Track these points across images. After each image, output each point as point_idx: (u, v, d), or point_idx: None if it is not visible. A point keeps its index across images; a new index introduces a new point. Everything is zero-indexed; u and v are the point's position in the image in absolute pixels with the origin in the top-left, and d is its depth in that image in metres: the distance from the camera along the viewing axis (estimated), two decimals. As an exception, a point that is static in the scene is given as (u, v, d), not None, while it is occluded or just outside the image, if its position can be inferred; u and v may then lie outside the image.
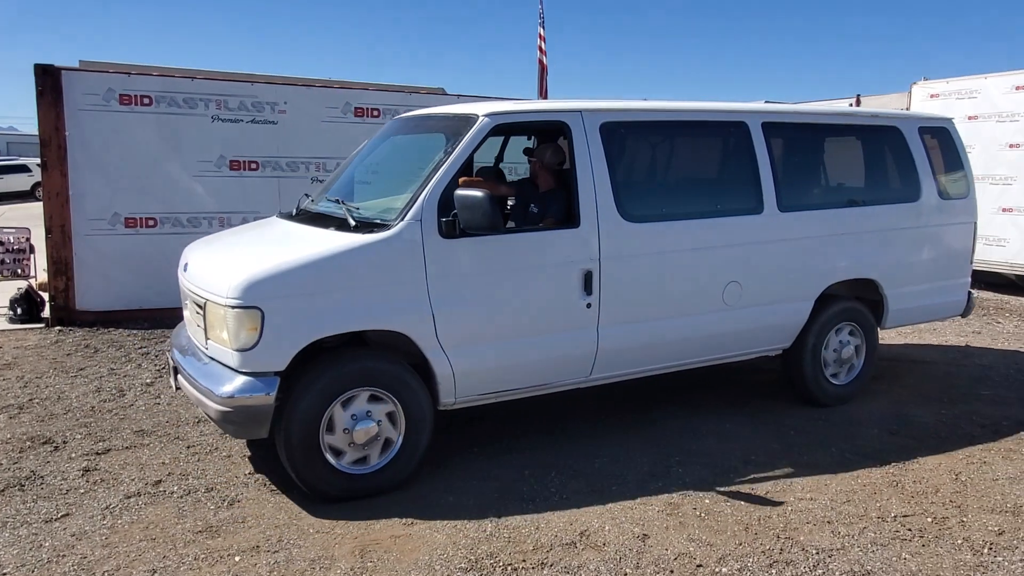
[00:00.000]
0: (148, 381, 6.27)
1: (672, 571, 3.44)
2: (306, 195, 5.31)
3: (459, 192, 4.06)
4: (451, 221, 4.10)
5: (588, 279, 4.56)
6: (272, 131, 8.80)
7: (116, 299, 8.25)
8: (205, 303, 4.04)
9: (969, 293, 6.38)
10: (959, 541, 3.69)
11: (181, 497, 4.17)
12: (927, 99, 12.78)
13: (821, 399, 5.66)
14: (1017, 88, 11.56)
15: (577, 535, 3.75)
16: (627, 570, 3.44)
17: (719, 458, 4.69)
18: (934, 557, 3.54)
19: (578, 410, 5.56)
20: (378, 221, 4.20)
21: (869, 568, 3.45)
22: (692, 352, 5.16)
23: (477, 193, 3.99)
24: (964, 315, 6.46)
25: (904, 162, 5.98)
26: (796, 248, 5.38)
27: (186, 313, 4.66)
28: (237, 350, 3.84)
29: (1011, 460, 4.70)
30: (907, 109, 12.60)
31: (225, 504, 4.08)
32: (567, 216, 4.62)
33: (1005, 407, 5.74)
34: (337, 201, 4.58)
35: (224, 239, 5.04)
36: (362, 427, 4.05)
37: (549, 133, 5.11)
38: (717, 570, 3.44)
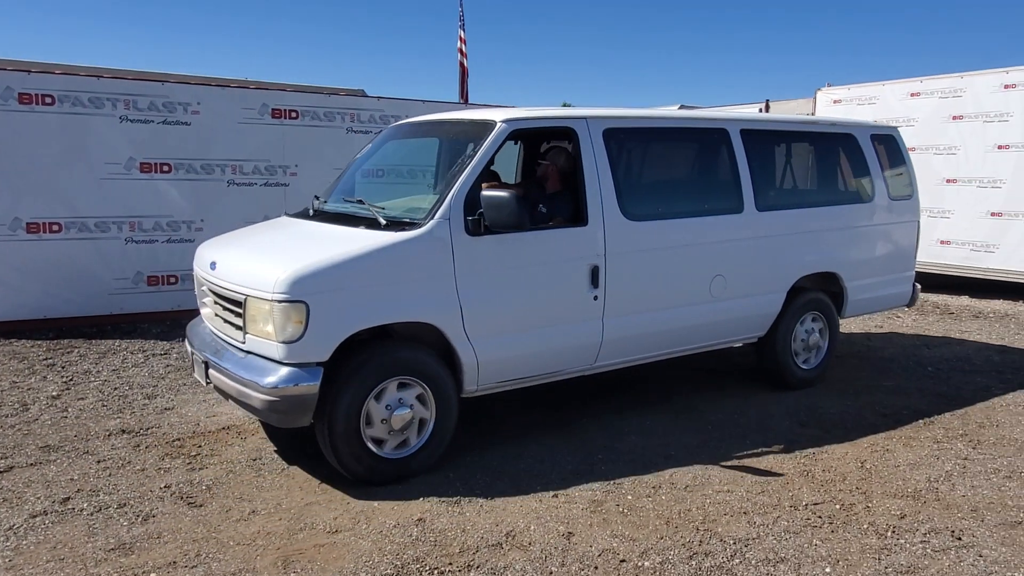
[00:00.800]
0: (54, 394, 5.99)
1: (596, 567, 3.50)
2: (316, 197, 5.49)
3: (486, 193, 4.37)
4: (476, 219, 4.39)
5: (595, 273, 4.92)
6: (185, 132, 8.52)
7: (18, 308, 7.84)
8: (245, 299, 4.18)
9: (914, 285, 7.01)
10: (865, 526, 3.88)
11: (92, 514, 4.00)
12: (831, 104, 13.37)
13: (791, 383, 6.20)
14: (912, 95, 12.23)
15: (503, 536, 3.77)
16: (552, 568, 3.49)
17: (641, 454, 4.80)
18: (842, 542, 3.72)
19: (505, 412, 5.59)
20: (407, 220, 4.44)
21: (783, 556, 3.59)
22: (684, 340, 5.57)
23: (504, 194, 4.31)
24: (909, 305, 7.13)
25: (859, 166, 6.58)
26: (771, 244, 5.89)
27: (206, 311, 4.84)
28: (283, 342, 4.02)
29: (911, 447, 4.97)
30: (812, 114, 13.17)
31: (139, 520, 3.94)
32: (575, 215, 4.93)
33: (904, 397, 6.06)
34: (359, 201, 4.87)
35: (248, 238, 5.15)
36: (399, 413, 4.31)
37: (557, 138, 5.53)
38: (640, 564, 3.52)
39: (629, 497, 4.21)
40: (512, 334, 4.66)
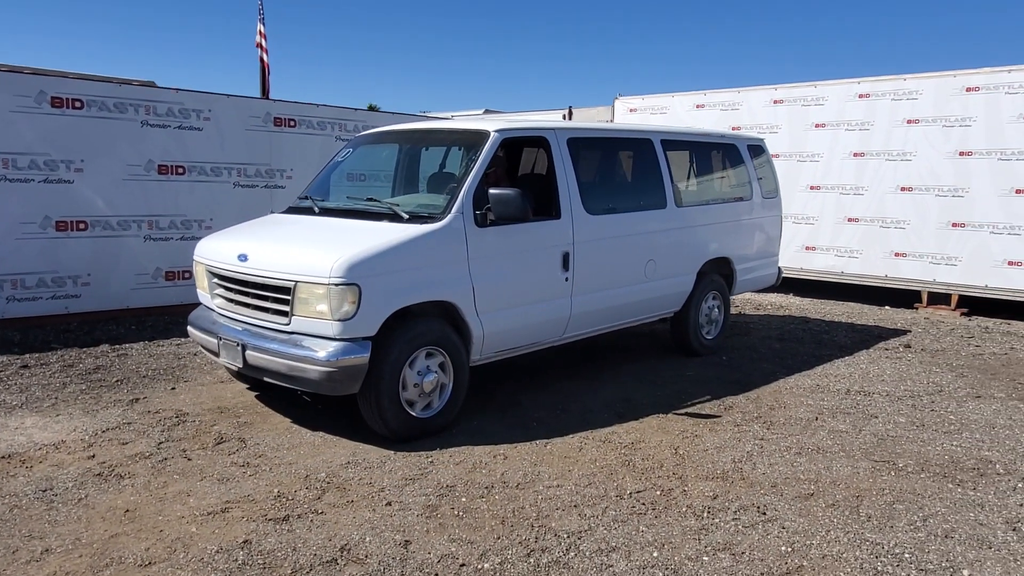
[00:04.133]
0: None
1: (437, 574, 3.46)
2: (307, 196, 6.15)
3: (495, 191, 5.21)
4: (483, 213, 5.24)
5: (566, 259, 5.88)
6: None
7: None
8: (295, 284, 4.77)
9: (779, 268, 8.68)
10: (684, 509, 4.14)
11: None
12: (627, 112, 14.23)
13: (699, 350, 7.54)
14: (697, 106, 13.30)
15: (337, 551, 3.63)
16: (392, 579, 3.41)
17: (471, 456, 4.82)
18: (665, 526, 3.94)
19: (334, 423, 5.40)
20: (425, 214, 5.20)
21: (614, 544, 3.74)
22: (626, 314, 6.68)
23: (510, 191, 5.18)
24: (776, 284, 8.76)
25: (741, 170, 8.02)
26: (686, 234, 7.14)
27: (219, 300, 5.45)
28: (338, 320, 4.66)
29: (716, 432, 5.37)
30: (611, 120, 13.95)
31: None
32: (547, 210, 5.81)
33: (704, 385, 6.56)
34: (369, 199, 5.70)
35: (268, 233, 5.60)
36: (430, 379, 5.07)
37: (531, 145, 6.73)
38: (480, 567, 3.53)
39: (463, 499, 4.20)
40: (508, 310, 5.49)
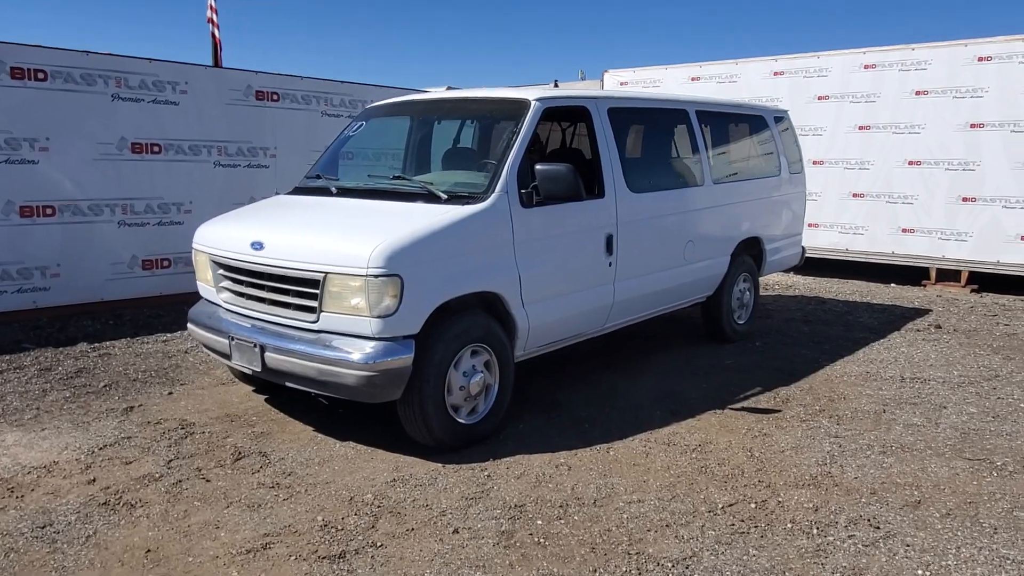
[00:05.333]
0: None
1: (538, 621, 2.93)
2: (318, 175, 5.57)
3: (542, 166, 4.65)
4: (529, 192, 4.66)
5: (610, 241, 5.32)
6: None
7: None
8: (325, 276, 4.14)
9: (803, 247, 8.20)
10: (788, 525, 3.67)
11: None
12: (617, 86, 13.68)
13: (732, 336, 7.05)
14: (692, 79, 12.81)
15: (412, 595, 3.07)
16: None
17: (530, 467, 4.29)
18: (777, 548, 3.46)
19: (362, 430, 4.81)
20: (465, 194, 4.58)
21: (727, 573, 3.25)
22: (664, 301, 6.18)
23: (560, 167, 4.59)
24: (799, 265, 8.27)
25: (768, 143, 7.43)
26: (722, 213, 6.63)
27: (227, 295, 4.80)
28: (378, 317, 4.05)
29: (784, 430, 4.92)
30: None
31: None
32: (589, 188, 5.17)
33: (748, 375, 6.11)
34: (396, 178, 5.15)
35: (283, 217, 4.98)
36: (476, 379, 4.51)
37: (570, 117, 6.02)
38: (585, 609, 3.00)
39: (539, 522, 3.67)
40: (553, 299, 4.96)
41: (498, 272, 4.59)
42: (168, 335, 7.14)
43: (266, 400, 5.41)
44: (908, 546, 3.48)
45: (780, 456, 4.49)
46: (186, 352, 6.62)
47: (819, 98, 11.43)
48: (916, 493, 4.02)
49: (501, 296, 4.62)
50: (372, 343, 4.13)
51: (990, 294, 10.07)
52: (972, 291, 10.32)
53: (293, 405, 5.26)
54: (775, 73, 11.90)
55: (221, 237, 4.89)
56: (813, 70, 11.53)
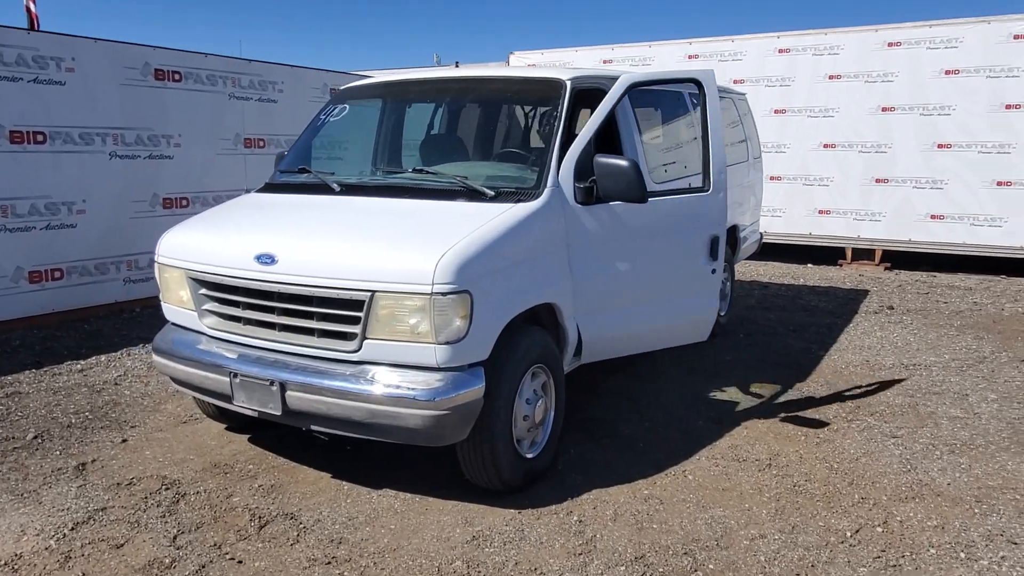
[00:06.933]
0: None
1: None
2: (301, 169, 4.61)
3: (604, 159, 3.97)
4: (589, 187, 4.03)
5: (714, 245, 4.61)
6: None
7: None
8: (372, 296, 3.41)
9: (760, 234, 8.04)
10: (932, 551, 3.35)
11: None
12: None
13: (715, 329, 6.03)
14: (604, 62, 12.54)
15: None
16: None
17: (615, 504, 3.73)
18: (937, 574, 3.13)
19: (388, 470, 4.06)
20: (512, 189, 3.96)
21: (917, 620, 2.88)
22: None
23: (624, 162, 3.94)
24: (758, 251, 8.18)
25: (738, 127, 7.12)
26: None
27: (219, 318, 3.92)
28: (445, 343, 3.37)
29: (840, 432, 4.65)
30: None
31: None
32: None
33: (757, 370, 5.86)
34: (417, 170, 4.39)
35: (293, 221, 4.07)
36: (541, 404, 3.94)
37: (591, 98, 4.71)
38: None
39: (675, 555, 3.14)
40: (617, 311, 4.37)
41: (554, 278, 4.00)
42: (81, 363, 5.94)
43: (250, 440, 4.52)
44: (1063, 563, 3.26)
45: (859, 465, 4.20)
46: (116, 384, 5.50)
47: (734, 82, 11.42)
48: (1019, 497, 3.84)
49: (557, 307, 4.03)
50: (438, 375, 3.42)
51: (903, 271, 10.51)
52: (886, 268, 10.75)
53: (285, 444, 4.41)
54: (690, 56, 11.84)
55: (206, 248, 3.95)
56: (728, 54, 11.55)
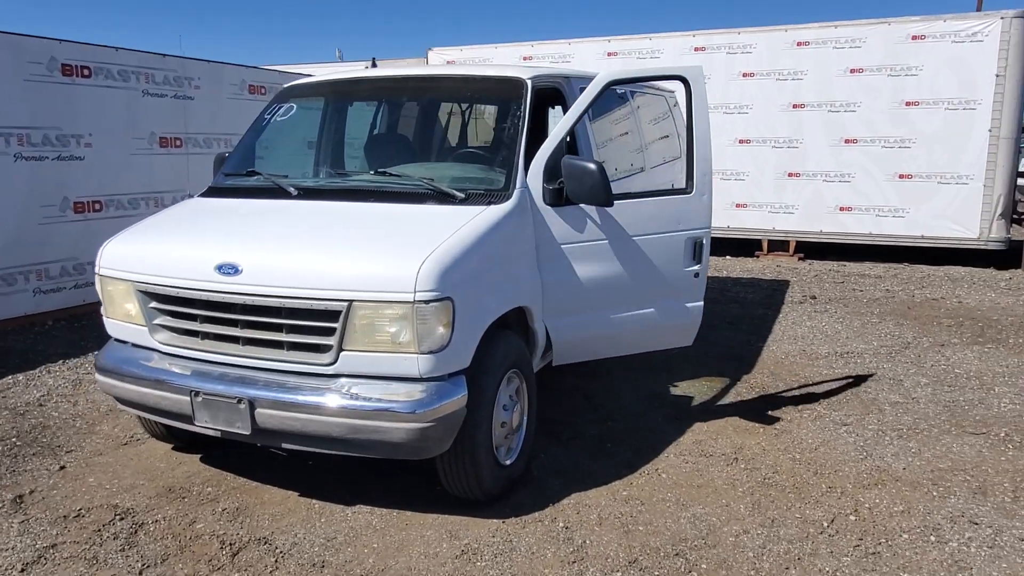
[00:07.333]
0: None
1: None
2: (249, 172, 4.40)
3: (573, 160, 3.91)
4: (558, 189, 3.95)
5: (698, 248, 4.44)
6: None
7: None
8: (350, 305, 3.26)
9: None
10: (904, 536, 3.49)
11: None
12: (444, 64, 13.05)
13: None
14: (524, 59, 12.54)
15: None
16: None
17: (597, 508, 3.72)
18: (922, 567, 3.26)
19: (354, 484, 3.91)
20: (481, 191, 3.87)
21: (905, 606, 2.99)
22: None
23: (590, 164, 3.86)
24: None
25: (676, 119, 6.62)
26: None
27: (171, 333, 3.68)
28: (428, 352, 3.26)
29: (796, 423, 4.79)
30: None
31: None
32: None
33: (704, 364, 5.99)
34: (379, 172, 4.23)
35: (252, 228, 3.86)
36: (517, 410, 3.89)
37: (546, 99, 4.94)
38: None
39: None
40: (589, 313, 4.26)
41: (524, 281, 3.96)
42: (-6, 383, 5.48)
43: (202, 460, 4.27)
44: (1022, 539, 3.45)
45: (818, 455, 4.34)
46: (40, 405, 5.09)
47: (653, 79, 11.66)
48: (969, 478, 4.06)
49: (528, 310, 3.98)
50: (421, 386, 3.31)
51: (815, 261, 10.98)
52: (799, 259, 11.21)
53: (242, 462, 4.19)
54: (608, 54, 11.98)
55: (157, 259, 3.69)
56: (646, 51, 11.75)
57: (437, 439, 3.36)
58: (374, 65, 14.33)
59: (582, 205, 4.05)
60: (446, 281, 3.27)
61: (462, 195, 3.83)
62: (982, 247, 10.18)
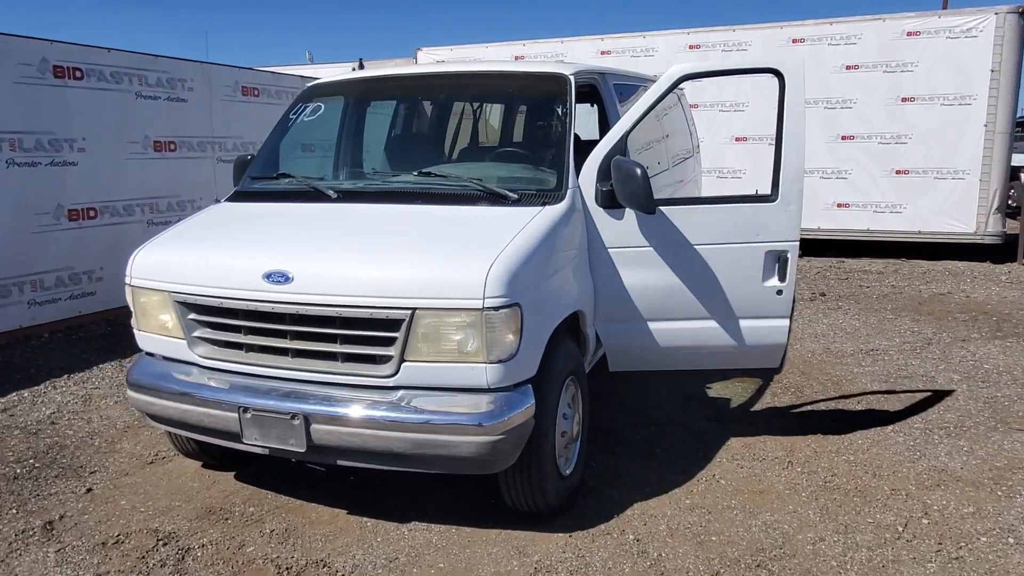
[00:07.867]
0: None
1: None
2: (284, 174, 4.28)
3: (623, 161, 3.72)
4: (610, 191, 3.77)
5: (783, 263, 3.88)
6: None
7: None
8: (412, 313, 3.09)
9: None
10: (981, 539, 3.41)
11: None
12: (434, 64, 12.86)
13: None
14: (516, 58, 12.39)
15: None
16: None
17: (663, 518, 3.59)
18: (1008, 571, 3.18)
19: (400, 499, 3.73)
20: (533, 191, 3.73)
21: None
22: None
23: (636, 166, 3.63)
24: None
25: (688, 114, 6.89)
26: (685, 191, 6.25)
27: (213, 346, 3.48)
28: (496, 361, 3.10)
29: (841, 423, 4.71)
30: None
31: None
32: None
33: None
34: (423, 173, 4.04)
35: (296, 233, 3.66)
36: (576, 419, 3.77)
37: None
38: None
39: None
40: (645, 321, 3.99)
41: (581, 284, 3.81)
42: (0, 401, 5.20)
43: (237, 478, 4.06)
44: (1101, 539, 3.39)
45: (872, 456, 4.25)
46: (52, 423, 4.84)
47: (647, 77, 11.59)
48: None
49: (583, 314, 3.83)
50: (488, 397, 3.16)
51: (813, 258, 10.98)
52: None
53: (279, 480, 3.99)
54: (602, 52, 11.87)
55: (197, 268, 3.49)
56: (640, 49, 11.68)
57: (506, 452, 3.20)
58: (361, 67, 14.11)
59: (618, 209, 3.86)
60: (514, 286, 3.12)
61: (515, 196, 3.67)
62: (979, 241, 10.24)
